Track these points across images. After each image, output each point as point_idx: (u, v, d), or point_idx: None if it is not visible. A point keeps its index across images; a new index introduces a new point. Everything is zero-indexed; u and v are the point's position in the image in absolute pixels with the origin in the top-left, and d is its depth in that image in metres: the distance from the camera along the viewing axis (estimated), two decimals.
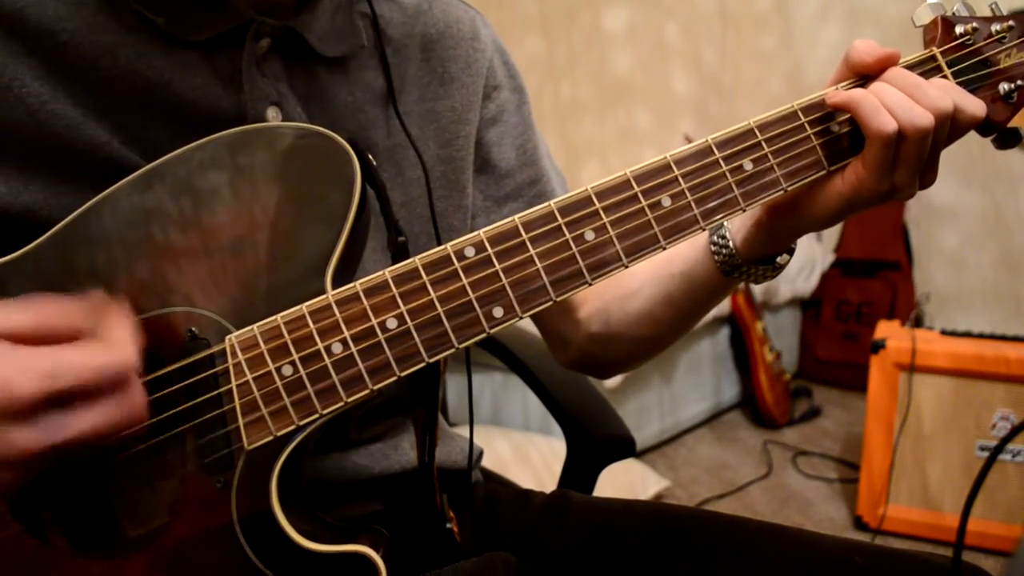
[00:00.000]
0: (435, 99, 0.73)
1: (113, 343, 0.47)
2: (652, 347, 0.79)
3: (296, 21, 0.63)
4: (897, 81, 0.58)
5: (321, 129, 0.55)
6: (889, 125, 0.56)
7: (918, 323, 2.89)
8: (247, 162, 0.54)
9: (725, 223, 0.67)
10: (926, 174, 0.61)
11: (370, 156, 0.57)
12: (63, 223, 0.54)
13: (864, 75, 0.61)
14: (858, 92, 0.58)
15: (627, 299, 0.76)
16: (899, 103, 0.57)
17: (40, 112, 0.56)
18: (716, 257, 0.67)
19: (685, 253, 0.71)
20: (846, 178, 0.60)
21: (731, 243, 0.66)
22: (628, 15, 2.93)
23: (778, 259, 0.67)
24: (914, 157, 0.58)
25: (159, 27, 0.59)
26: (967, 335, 2.04)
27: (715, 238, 0.67)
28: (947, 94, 0.58)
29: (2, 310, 0.46)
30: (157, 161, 0.55)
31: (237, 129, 0.55)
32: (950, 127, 0.59)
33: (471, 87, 0.75)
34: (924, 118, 0.56)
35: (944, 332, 2.07)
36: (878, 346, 2.00)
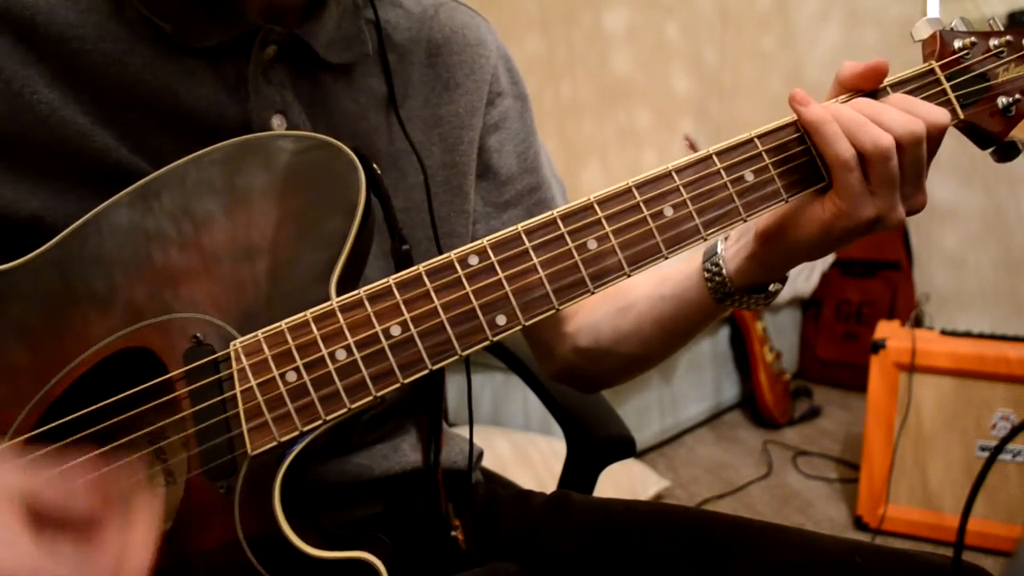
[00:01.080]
0: (439, 104, 0.73)
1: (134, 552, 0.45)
2: (639, 365, 0.78)
3: (302, 28, 0.63)
4: (858, 105, 0.58)
5: (326, 138, 0.55)
6: (846, 152, 0.56)
7: (918, 323, 2.89)
8: (252, 170, 0.55)
9: (719, 250, 0.66)
10: (914, 197, 0.59)
11: (374, 164, 0.57)
12: (68, 230, 0.54)
13: (856, 91, 0.61)
14: (820, 116, 0.57)
15: (618, 315, 0.75)
16: (856, 123, 0.56)
17: (51, 119, 0.56)
18: (709, 284, 0.67)
19: (679, 276, 0.70)
20: (826, 206, 0.59)
21: (724, 271, 0.66)
22: (628, 15, 2.93)
23: (770, 287, 0.66)
24: (885, 179, 0.57)
25: (167, 34, 0.59)
26: (967, 335, 2.04)
27: (708, 265, 0.67)
28: (906, 111, 0.57)
29: (37, 476, 0.44)
30: (161, 170, 0.55)
31: (242, 138, 0.55)
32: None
33: (475, 93, 0.75)
34: (884, 138, 0.55)
35: (944, 332, 2.07)
36: (878, 346, 2.00)
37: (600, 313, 0.77)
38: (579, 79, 2.86)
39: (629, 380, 0.82)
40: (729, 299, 0.67)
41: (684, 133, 3.01)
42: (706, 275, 0.67)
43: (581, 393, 1.00)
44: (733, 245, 0.66)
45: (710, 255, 0.67)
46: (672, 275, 0.71)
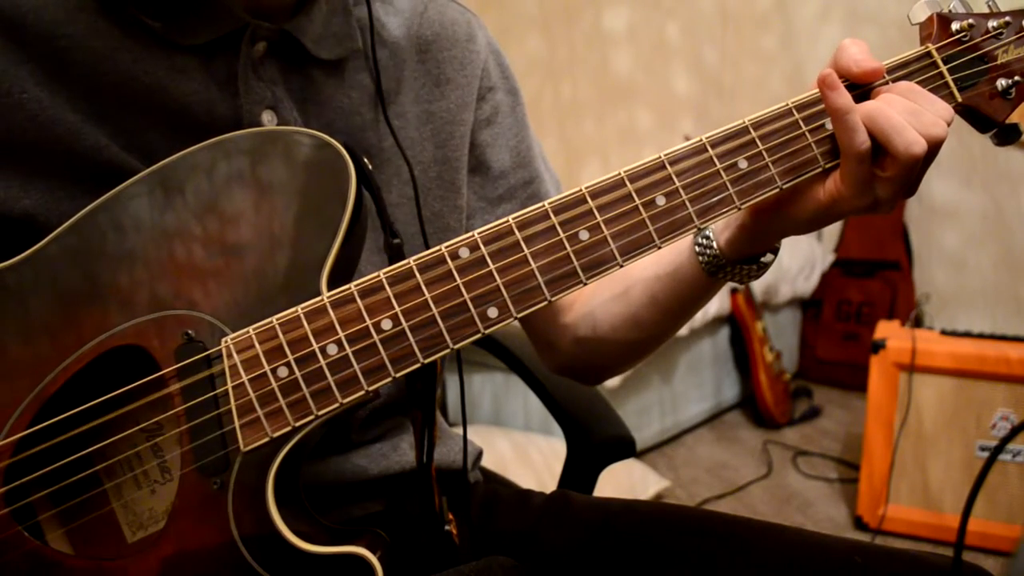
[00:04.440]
0: (431, 100, 0.73)
1: None
2: (637, 351, 0.78)
3: (292, 24, 0.63)
4: (899, 104, 0.57)
5: (316, 133, 0.55)
6: (863, 144, 0.56)
7: (918, 323, 2.89)
8: (243, 166, 0.55)
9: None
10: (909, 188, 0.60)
11: (365, 159, 0.57)
12: (66, 225, 0.54)
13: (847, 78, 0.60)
14: (845, 105, 0.57)
15: (614, 302, 0.75)
16: (894, 127, 0.56)
17: (40, 117, 0.56)
18: (701, 258, 0.67)
19: (670, 255, 0.70)
20: (826, 189, 0.59)
21: (715, 243, 0.66)
22: (628, 15, 2.93)
23: (762, 259, 0.66)
24: (904, 178, 0.57)
25: (156, 32, 0.59)
26: (967, 335, 2.04)
27: (699, 239, 0.67)
28: (942, 119, 0.57)
29: None
30: (155, 166, 0.55)
31: (233, 133, 0.55)
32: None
33: (466, 88, 0.75)
34: (918, 145, 0.55)
35: (944, 332, 2.07)
36: (878, 346, 1.99)
37: (596, 301, 0.77)
38: (579, 79, 2.86)
39: (630, 367, 0.82)
40: (721, 271, 0.67)
41: (684, 133, 3.02)
42: (697, 249, 0.67)
43: (581, 392, 1.00)
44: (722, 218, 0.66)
45: (701, 229, 0.67)
46: (663, 254, 0.71)
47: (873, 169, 0.57)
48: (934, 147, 0.56)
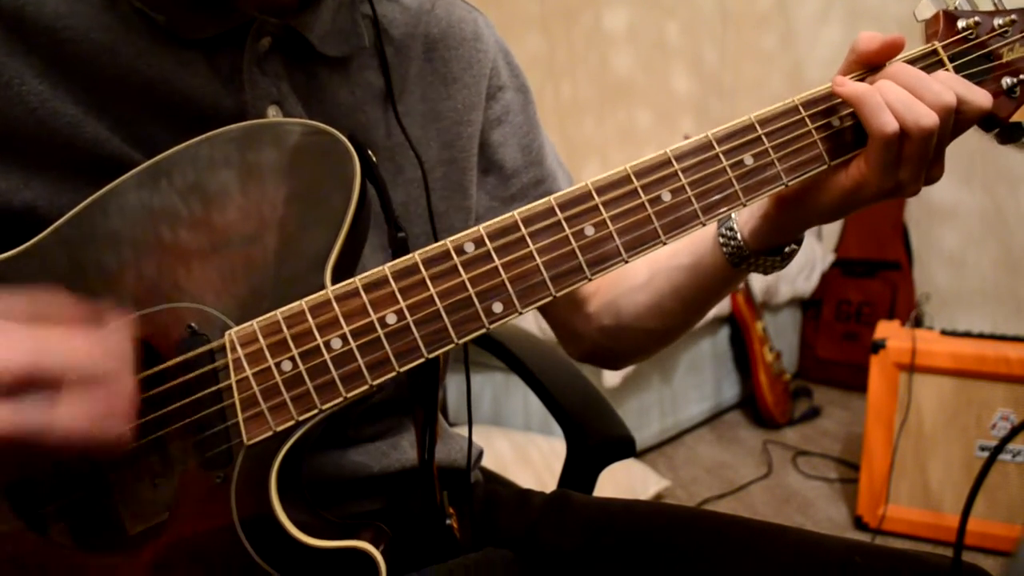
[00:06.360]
0: (437, 99, 0.73)
1: (109, 340, 0.47)
2: (661, 339, 0.80)
3: (297, 20, 0.63)
4: (901, 78, 0.58)
5: (321, 125, 0.55)
6: (891, 125, 0.56)
7: (918, 323, 2.89)
8: (248, 158, 0.54)
9: (733, 215, 0.67)
10: (932, 168, 0.60)
11: (370, 152, 0.57)
12: (65, 218, 0.54)
13: (871, 65, 0.61)
14: (863, 88, 0.58)
15: (636, 292, 0.76)
16: (903, 102, 0.56)
17: (40, 110, 0.56)
18: (724, 249, 0.67)
19: (693, 245, 0.71)
20: (849, 174, 0.60)
21: (739, 235, 0.66)
22: (628, 15, 2.93)
23: (786, 249, 0.67)
24: (919, 155, 0.58)
25: (160, 26, 0.59)
26: (967, 335, 2.04)
27: (723, 230, 0.67)
28: (950, 88, 0.58)
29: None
30: (159, 156, 0.55)
31: (239, 125, 0.55)
32: (955, 120, 0.58)
33: (473, 88, 0.75)
34: (928, 118, 0.56)
35: (944, 332, 2.07)
36: (878, 346, 1.99)
37: (620, 290, 0.78)
38: (579, 79, 2.86)
39: (653, 354, 0.84)
40: (745, 262, 0.67)
41: (684, 133, 3.02)
42: (721, 240, 0.68)
43: (581, 392, 1.00)
44: (747, 208, 0.66)
45: (724, 220, 0.68)
46: (686, 245, 0.72)
47: (899, 151, 0.57)
48: (945, 117, 0.57)
